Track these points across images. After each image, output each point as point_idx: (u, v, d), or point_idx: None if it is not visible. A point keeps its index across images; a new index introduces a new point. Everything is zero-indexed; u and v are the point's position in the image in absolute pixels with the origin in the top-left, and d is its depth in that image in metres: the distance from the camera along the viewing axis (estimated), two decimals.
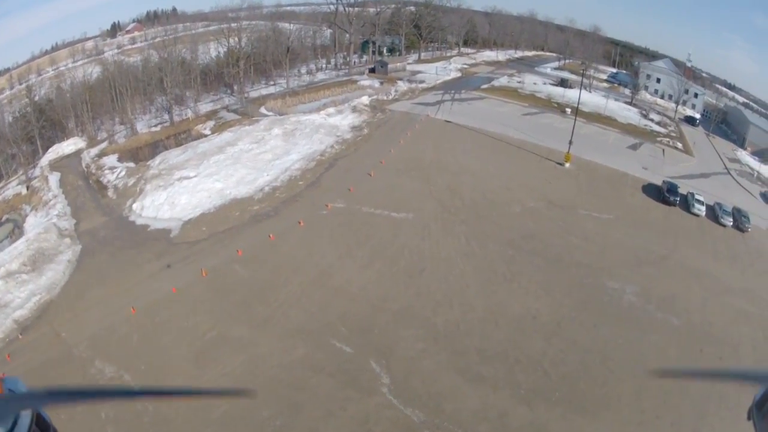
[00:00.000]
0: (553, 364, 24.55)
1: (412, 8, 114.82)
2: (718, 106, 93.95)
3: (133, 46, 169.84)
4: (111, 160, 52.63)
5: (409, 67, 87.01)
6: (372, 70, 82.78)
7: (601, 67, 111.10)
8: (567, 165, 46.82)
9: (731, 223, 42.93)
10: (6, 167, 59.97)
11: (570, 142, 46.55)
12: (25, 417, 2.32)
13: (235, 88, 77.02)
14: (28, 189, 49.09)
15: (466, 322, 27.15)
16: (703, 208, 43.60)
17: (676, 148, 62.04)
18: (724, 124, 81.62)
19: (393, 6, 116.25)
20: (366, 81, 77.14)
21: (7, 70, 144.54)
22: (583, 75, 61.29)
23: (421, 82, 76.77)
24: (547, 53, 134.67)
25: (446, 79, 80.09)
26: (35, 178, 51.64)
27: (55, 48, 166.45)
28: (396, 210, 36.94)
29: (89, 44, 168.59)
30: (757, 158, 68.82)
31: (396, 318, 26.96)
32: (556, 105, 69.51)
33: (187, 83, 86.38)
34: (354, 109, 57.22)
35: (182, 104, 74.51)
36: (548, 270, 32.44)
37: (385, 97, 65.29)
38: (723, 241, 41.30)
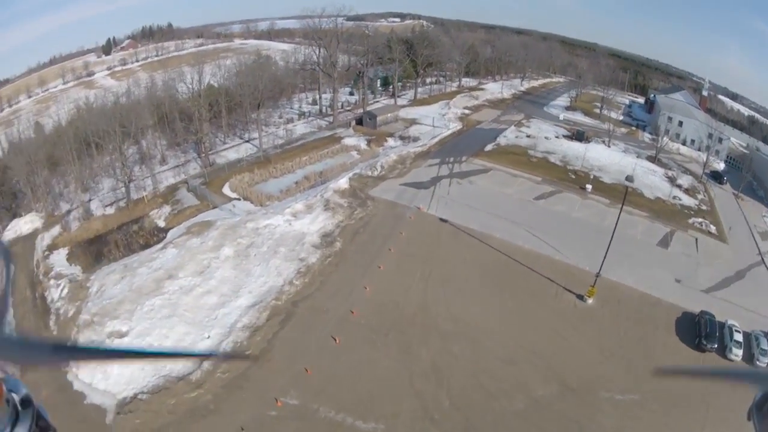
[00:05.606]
0: None
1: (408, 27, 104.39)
2: (742, 151, 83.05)
3: (124, 68, 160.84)
4: (60, 258, 48.39)
5: (402, 113, 77.17)
6: (359, 122, 73.05)
7: (613, 94, 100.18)
8: (590, 301, 37.88)
9: None
10: None
11: (597, 275, 37.50)
12: (26, 417, 2.10)
13: (203, 146, 68.16)
14: None
15: None
16: (740, 352, 34.76)
17: (710, 233, 52.50)
18: (749, 174, 69.63)
19: (394, 21, 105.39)
20: (351, 139, 67.78)
21: (7, 81, 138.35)
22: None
23: (416, 140, 67.21)
24: (555, 80, 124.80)
25: (444, 135, 70.22)
26: None
27: (54, 61, 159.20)
28: (362, 416, 27.99)
29: (79, 63, 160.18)
30: None
31: None
32: (573, 176, 59.72)
33: (157, 128, 78.32)
34: (327, 205, 48.00)
35: (145, 163, 66.92)
36: None
37: (369, 173, 56.00)
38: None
